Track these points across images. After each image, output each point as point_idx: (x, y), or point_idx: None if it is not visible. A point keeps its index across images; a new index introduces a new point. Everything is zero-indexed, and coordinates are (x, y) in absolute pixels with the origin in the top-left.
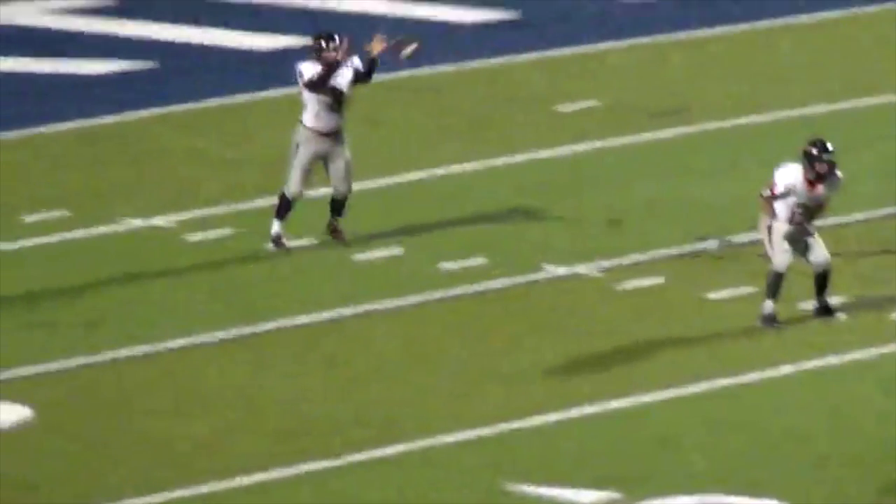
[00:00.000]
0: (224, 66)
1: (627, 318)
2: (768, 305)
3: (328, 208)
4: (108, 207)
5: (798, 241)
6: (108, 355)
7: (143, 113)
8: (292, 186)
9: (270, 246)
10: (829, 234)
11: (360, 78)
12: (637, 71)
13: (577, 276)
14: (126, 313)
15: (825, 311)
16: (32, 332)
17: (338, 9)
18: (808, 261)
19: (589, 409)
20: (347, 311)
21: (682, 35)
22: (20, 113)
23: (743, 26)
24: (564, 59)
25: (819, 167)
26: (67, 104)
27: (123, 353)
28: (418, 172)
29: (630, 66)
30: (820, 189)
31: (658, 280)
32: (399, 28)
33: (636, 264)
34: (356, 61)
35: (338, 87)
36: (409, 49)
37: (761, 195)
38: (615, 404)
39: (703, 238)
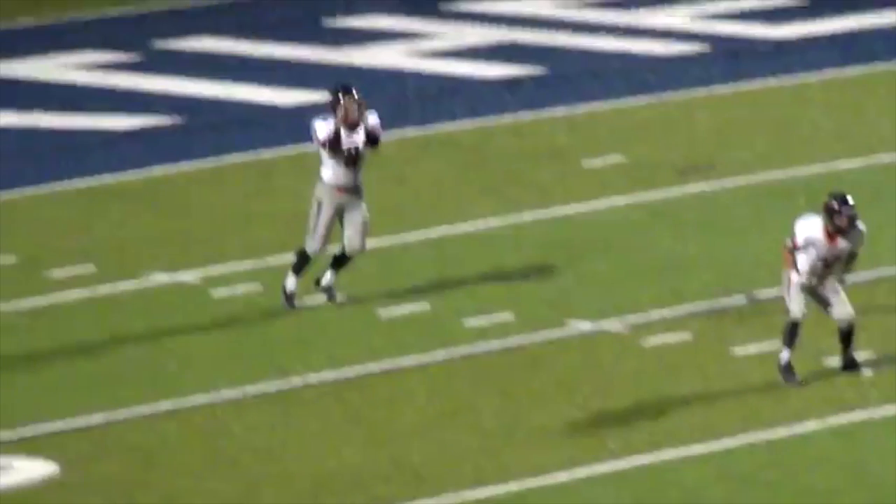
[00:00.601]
0: (249, 121)
1: (653, 374)
2: (784, 355)
3: (329, 262)
4: (134, 262)
5: (819, 295)
6: (133, 411)
7: (169, 168)
8: (315, 244)
9: (282, 302)
10: (855, 288)
11: (370, 141)
12: (663, 127)
13: (602, 332)
14: (151, 369)
15: (851, 366)
16: (57, 387)
17: (364, 64)
18: (831, 316)
19: (615, 466)
20: (374, 366)
21: (708, 91)
22: (45, 168)
23: (769, 82)
24: (591, 114)
25: (839, 221)
26: (93, 159)
27: (148, 408)
28: (444, 228)
29: (656, 122)
30: (840, 243)
31: (684, 336)
32: (427, 83)
33: (662, 320)
34: (371, 119)
35: (352, 148)
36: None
37: (784, 247)
38: (641, 460)
39: (729, 294)
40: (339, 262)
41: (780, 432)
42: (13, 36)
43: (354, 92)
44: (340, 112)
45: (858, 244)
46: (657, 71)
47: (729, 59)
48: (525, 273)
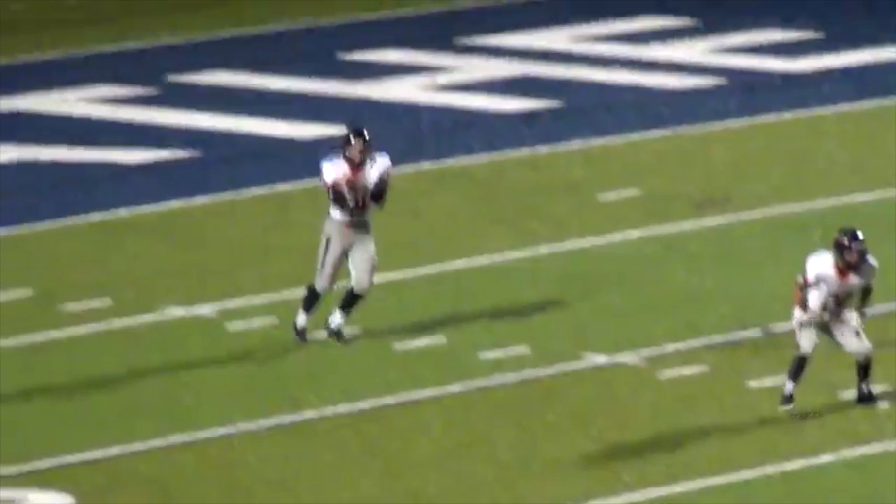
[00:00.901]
0: (265, 155)
1: (669, 407)
2: (788, 387)
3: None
4: (150, 296)
5: (833, 331)
6: (148, 443)
7: (185, 201)
8: (323, 281)
9: (294, 337)
10: (869, 321)
11: (373, 196)
12: (679, 160)
13: (618, 365)
14: (167, 401)
15: (867, 398)
16: (73, 420)
17: (379, 98)
18: (847, 351)
19: (631, 498)
20: (389, 399)
21: (723, 124)
22: (62, 202)
23: (784, 116)
24: (606, 148)
25: (849, 256)
26: (108, 193)
27: (164, 441)
28: (460, 261)
29: (672, 156)
30: (852, 279)
31: (700, 368)
32: (442, 116)
33: (678, 353)
34: (380, 162)
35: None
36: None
37: (795, 283)
38: (657, 493)
39: (744, 327)
40: (349, 301)
41: (797, 464)
42: (29, 70)
43: (365, 134)
44: (348, 154)
45: (870, 279)
46: (672, 104)
47: (744, 92)
48: (541, 306)
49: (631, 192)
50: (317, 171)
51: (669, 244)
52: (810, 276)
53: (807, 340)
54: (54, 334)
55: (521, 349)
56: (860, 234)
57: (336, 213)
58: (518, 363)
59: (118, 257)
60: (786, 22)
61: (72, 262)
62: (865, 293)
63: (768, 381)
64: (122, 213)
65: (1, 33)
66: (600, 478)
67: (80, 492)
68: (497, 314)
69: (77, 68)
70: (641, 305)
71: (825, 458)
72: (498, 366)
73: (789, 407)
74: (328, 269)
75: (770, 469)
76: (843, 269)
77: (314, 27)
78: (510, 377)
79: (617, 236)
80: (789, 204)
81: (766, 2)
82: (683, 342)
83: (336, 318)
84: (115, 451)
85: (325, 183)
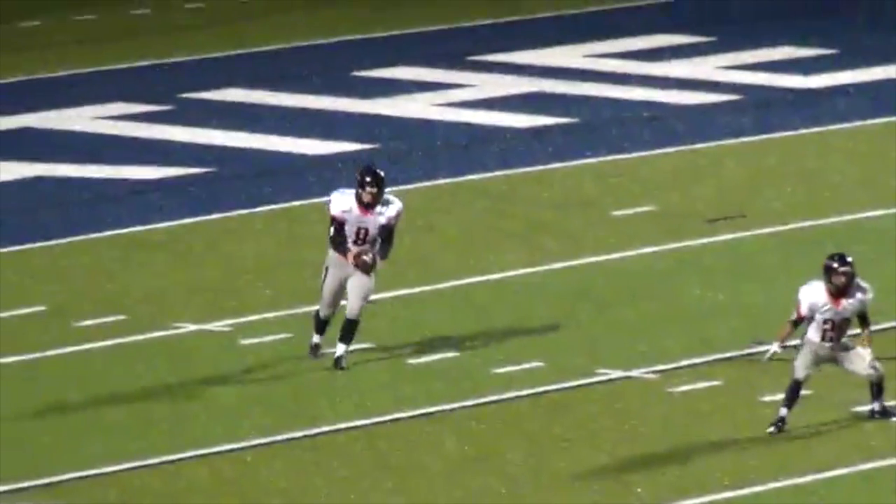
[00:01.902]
0: (278, 172)
1: (682, 421)
2: (782, 412)
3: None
4: (163, 312)
5: (838, 361)
6: (161, 458)
7: (198, 218)
8: (324, 309)
9: (308, 354)
10: (880, 336)
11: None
12: (692, 176)
13: (631, 380)
14: (180, 416)
15: (881, 413)
16: (86, 435)
17: (393, 114)
18: (858, 376)
19: None
20: (402, 413)
21: (737, 140)
22: (76, 219)
23: (798, 132)
24: (620, 163)
25: (836, 279)
26: (122, 210)
27: (177, 456)
28: (473, 277)
29: (685, 171)
30: (844, 303)
31: (713, 383)
32: (456, 133)
33: (691, 368)
34: (392, 207)
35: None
36: (366, 257)
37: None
38: None
39: (758, 342)
40: (345, 329)
41: (809, 479)
42: (42, 87)
43: (379, 180)
44: (360, 194)
45: (865, 305)
46: (686, 120)
47: (757, 108)
48: (554, 321)
49: (644, 207)
50: (331, 188)
51: (683, 260)
52: (804, 309)
53: (800, 364)
54: (68, 350)
55: (534, 364)
56: (848, 258)
57: (331, 250)
58: (531, 378)
59: (131, 273)
60: (799, 39)
61: (85, 278)
62: (863, 321)
63: (781, 396)
64: (136, 229)
65: (15, 50)
66: (612, 492)
67: None
68: (510, 329)
69: (90, 85)
70: (654, 320)
71: (839, 471)
72: (510, 381)
73: (775, 430)
74: (327, 297)
75: (783, 483)
76: (835, 293)
77: (328, 45)
78: (523, 392)
79: (630, 252)
80: (802, 220)
81: (779, 19)
82: (697, 357)
83: (338, 349)
84: (127, 465)
85: (329, 213)
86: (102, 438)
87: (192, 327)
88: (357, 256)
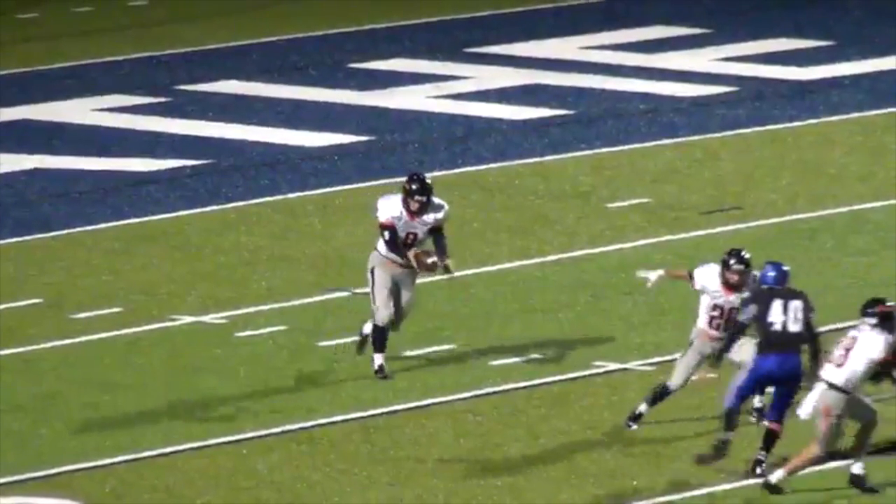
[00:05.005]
0: (276, 164)
1: (680, 414)
2: (640, 407)
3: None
4: (160, 304)
5: (726, 351)
6: (157, 451)
7: (196, 210)
8: (379, 315)
9: (375, 375)
10: None
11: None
12: (688, 168)
13: (628, 372)
14: (176, 408)
15: (758, 413)
16: (83, 427)
17: (390, 107)
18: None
19: None
20: (399, 406)
21: (734, 133)
22: (73, 211)
23: (794, 124)
24: (616, 156)
25: (729, 276)
26: (119, 202)
27: (173, 447)
28: (469, 269)
29: (682, 164)
30: (732, 296)
31: (710, 376)
32: (453, 125)
33: None
34: (442, 212)
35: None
36: (430, 260)
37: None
38: (668, 499)
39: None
40: (378, 337)
41: (806, 470)
42: (41, 79)
43: (427, 189)
44: (407, 201)
45: (747, 311)
46: (682, 113)
47: (754, 101)
48: (550, 313)
49: (641, 200)
50: (328, 181)
51: (679, 252)
52: (696, 285)
53: (682, 370)
54: (65, 342)
55: (531, 356)
56: (746, 257)
57: (383, 249)
58: (527, 370)
59: (129, 265)
60: (796, 31)
61: (82, 270)
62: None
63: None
64: (132, 221)
65: (13, 43)
66: (610, 484)
67: (89, 499)
68: (506, 322)
69: (88, 77)
70: (651, 313)
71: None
72: (508, 373)
73: (632, 425)
74: (382, 297)
75: (780, 474)
76: (726, 285)
77: (325, 36)
78: (520, 384)
79: (626, 244)
80: (799, 212)
81: (776, 11)
82: None
83: (377, 361)
84: (124, 457)
85: (377, 219)
86: (98, 431)
87: (189, 319)
88: (422, 256)
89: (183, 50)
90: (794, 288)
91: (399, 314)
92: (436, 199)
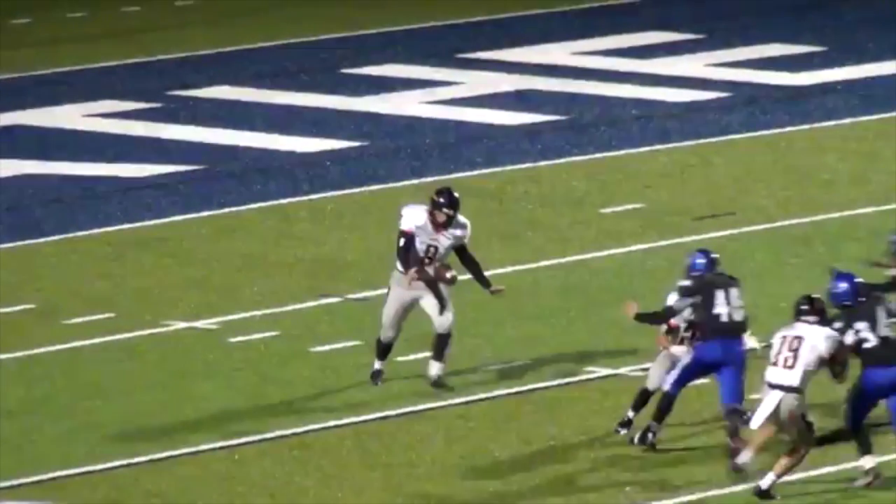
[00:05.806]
0: (268, 169)
1: (672, 420)
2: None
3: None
4: (153, 310)
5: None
6: (150, 456)
7: (188, 216)
8: (385, 332)
9: (369, 380)
10: None
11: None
12: (682, 174)
13: (620, 377)
14: (170, 414)
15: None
16: (76, 433)
17: (382, 112)
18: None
19: None
20: (391, 412)
21: (726, 138)
22: (65, 216)
23: (788, 130)
24: (609, 161)
25: (438, 216)
26: (112, 208)
27: (167, 453)
28: (461, 274)
29: (675, 169)
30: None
31: (703, 381)
32: (446, 131)
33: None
34: (467, 230)
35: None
36: (450, 275)
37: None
38: None
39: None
40: (438, 345)
41: (800, 476)
42: (33, 85)
43: (455, 203)
44: (434, 214)
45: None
46: (675, 118)
47: (747, 106)
48: (543, 319)
49: (634, 205)
50: (320, 186)
51: (672, 258)
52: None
53: (655, 375)
54: (57, 348)
55: (523, 361)
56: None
57: (399, 266)
58: (520, 375)
59: (121, 271)
60: (789, 37)
61: (75, 275)
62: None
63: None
64: (125, 227)
65: (5, 48)
66: (602, 490)
67: None
68: (500, 327)
69: (81, 83)
70: None
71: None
72: (500, 378)
73: (624, 432)
74: (387, 320)
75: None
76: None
77: (317, 42)
78: (512, 390)
79: (619, 250)
80: (792, 217)
81: (769, 16)
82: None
83: (433, 369)
84: (116, 463)
85: (400, 228)
86: (91, 436)
87: (181, 325)
88: (442, 271)
89: (175, 56)
90: (725, 273)
91: (443, 318)
92: (460, 217)
